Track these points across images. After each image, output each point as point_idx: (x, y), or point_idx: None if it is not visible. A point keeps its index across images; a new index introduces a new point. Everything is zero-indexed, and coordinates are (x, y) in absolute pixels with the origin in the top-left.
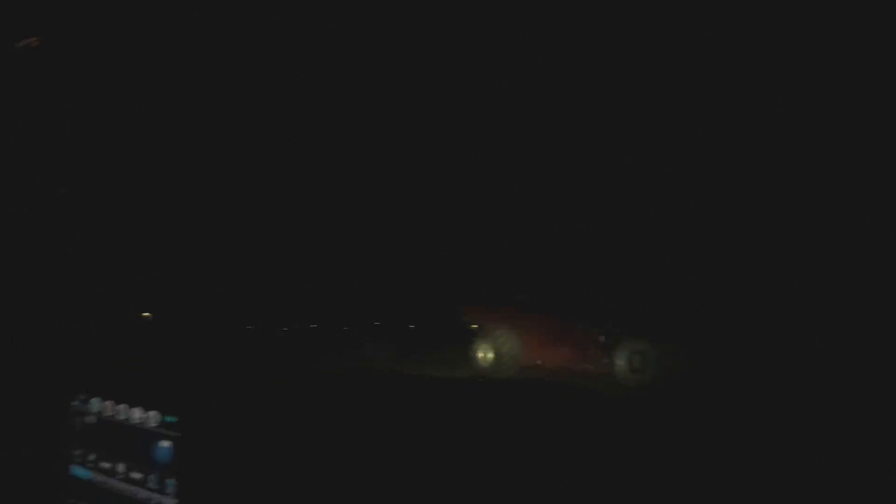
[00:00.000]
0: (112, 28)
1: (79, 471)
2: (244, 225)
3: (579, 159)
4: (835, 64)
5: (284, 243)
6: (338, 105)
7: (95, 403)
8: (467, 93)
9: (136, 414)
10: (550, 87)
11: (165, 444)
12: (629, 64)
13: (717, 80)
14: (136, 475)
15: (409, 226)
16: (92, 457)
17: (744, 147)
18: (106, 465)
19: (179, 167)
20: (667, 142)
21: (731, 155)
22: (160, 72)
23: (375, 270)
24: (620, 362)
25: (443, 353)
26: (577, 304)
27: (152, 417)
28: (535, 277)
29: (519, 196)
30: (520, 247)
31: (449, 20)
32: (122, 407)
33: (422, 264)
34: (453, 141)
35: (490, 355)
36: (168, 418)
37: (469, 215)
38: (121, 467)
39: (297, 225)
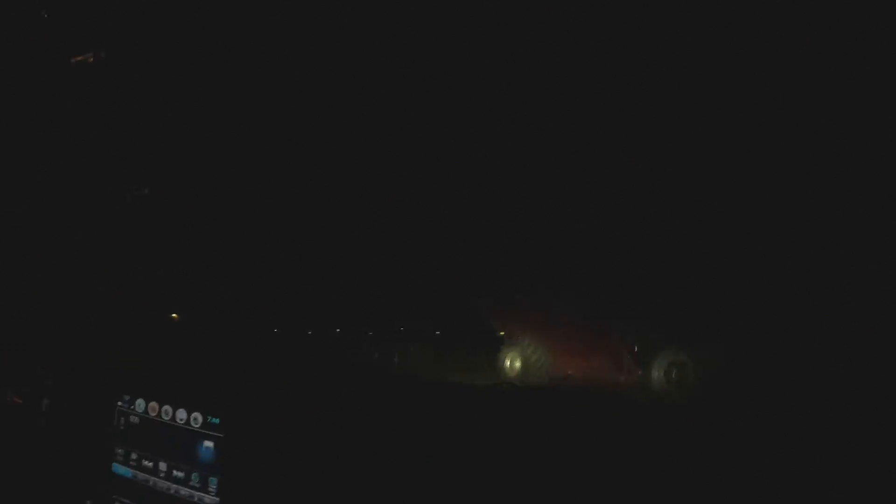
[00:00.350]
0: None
1: (120, 469)
2: (287, 228)
3: (610, 160)
4: (843, 62)
5: (325, 247)
6: (364, 110)
7: (140, 404)
8: (496, 88)
9: (181, 415)
10: (580, 84)
11: (209, 443)
12: (659, 59)
13: (743, 77)
14: (179, 473)
15: (439, 231)
16: (134, 455)
17: (787, 146)
18: (148, 463)
19: (223, 169)
20: (706, 140)
21: (774, 153)
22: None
23: (407, 274)
24: (657, 374)
25: (469, 360)
26: (610, 311)
27: (196, 418)
28: (566, 282)
29: (551, 198)
30: (549, 250)
31: (463, 19)
32: (166, 408)
33: (449, 269)
34: (481, 140)
35: (517, 364)
36: (212, 419)
37: (499, 218)
38: (163, 465)
39: (336, 229)
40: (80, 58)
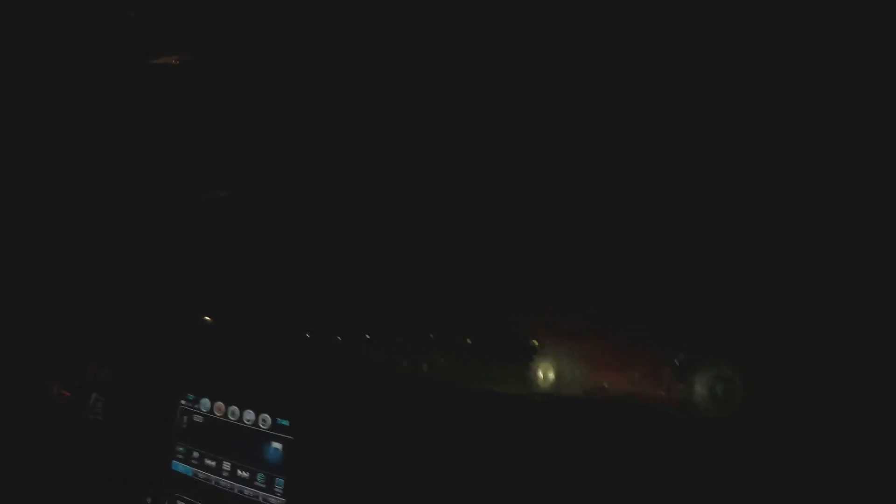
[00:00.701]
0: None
1: (180, 466)
2: (352, 234)
3: (653, 166)
4: (844, 62)
5: (363, 256)
6: (401, 118)
7: (205, 403)
8: (531, 94)
9: (248, 415)
10: (615, 90)
11: (277, 444)
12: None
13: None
14: (244, 473)
15: (471, 237)
16: (196, 454)
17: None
18: (211, 462)
19: (286, 172)
20: (750, 149)
21: (818, 158)
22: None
23: (438, 281)
24: (700, 389)
25: (499, 370)
26: (649, 322)
27: (265, 419)
28: (602, 290)
29: (588, 203)
30: (584, 256)
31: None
32: (233, 408)
33: (480, 277)
34: (520, 141)
35: (550, 375)
36: (281, 421)
37: (532, 223)
38: (227, 465)
39: (373, 239)
40: (163, 59)
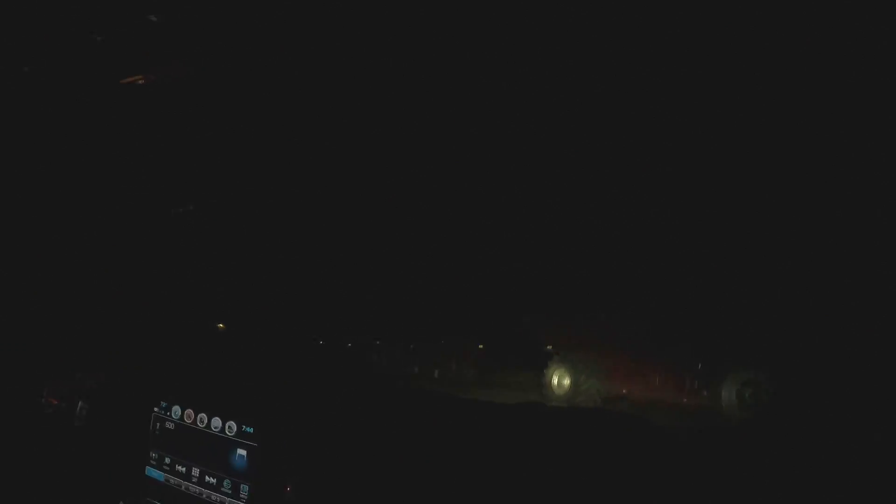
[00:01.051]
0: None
1: (153, 472)
2: (328, 238)
3: (671, 172)
4: (846, 62)
5: (360, 257)
6: (423, 125)
7: (176, 410)
8: (557, 100)
9: (216, 423)
10: (642, 98)
11: (242, 451)
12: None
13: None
14: (211, 479)
15: (485, 238)
16: (167, 460)
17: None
18: (181, 468)
19: (266, 183)
20: (784, 155)
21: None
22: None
23: (450, 285)
24: (728, 395)
25: (513, 377)
26: (670, 325)
27: (231, 427)
28: (620, 293)
29: (602, 208)
30: (603, 256)
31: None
32: (202, 415)
33: (494, 280)
34: (540, 146)
35: (566, 382)
36: (246, 428)
37: (549, 225)
38: (196, 471)
39: (376, 240)
40: (130, 79)
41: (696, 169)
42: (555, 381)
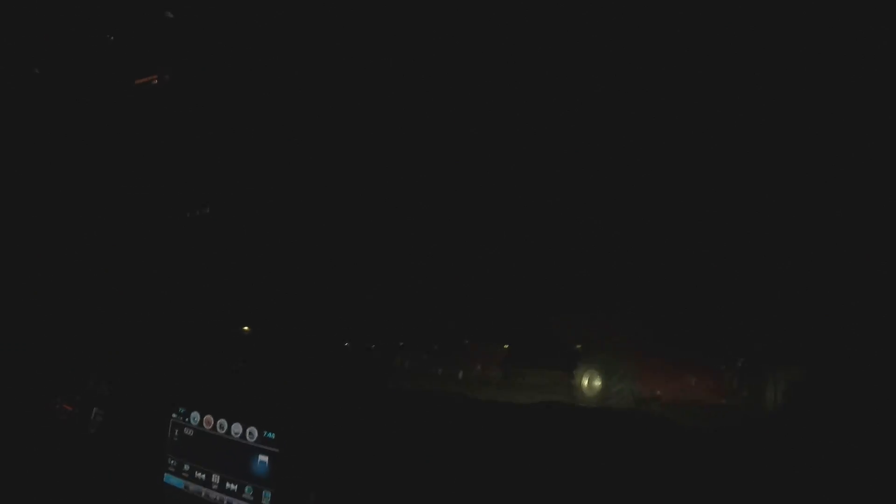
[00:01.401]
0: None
1: (172, 479)
2: (342, 241)
3: (702, 175)
4: (847, 62)
5: (382, 260)
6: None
7: (195, 417)
8: (581, 102)
9: (236, 428)
10: (668, 99)
11: (263, 457)
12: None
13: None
14: (232, 486)
15: (512, 238)
16: (186, 467)
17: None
18: (200, 475)
19: (285, 181)
20: (814, 153)
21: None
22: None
23: (475, 284)
24: (772, 396)
25: (541, 377)
26: (706, 322)
27: (252, 433)
28: (653, 289)
29: (633, 203)
30: (637, 251)
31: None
32: (221, 421)
33: (520, 279)
34: (572, 144)
35: (597, 383)
36: (268, 434)
37: (580, 223)
38: (216, 478)
39: (395, 241)
40: (144, 80)
41: (725, 175)
42: (585, 382)
